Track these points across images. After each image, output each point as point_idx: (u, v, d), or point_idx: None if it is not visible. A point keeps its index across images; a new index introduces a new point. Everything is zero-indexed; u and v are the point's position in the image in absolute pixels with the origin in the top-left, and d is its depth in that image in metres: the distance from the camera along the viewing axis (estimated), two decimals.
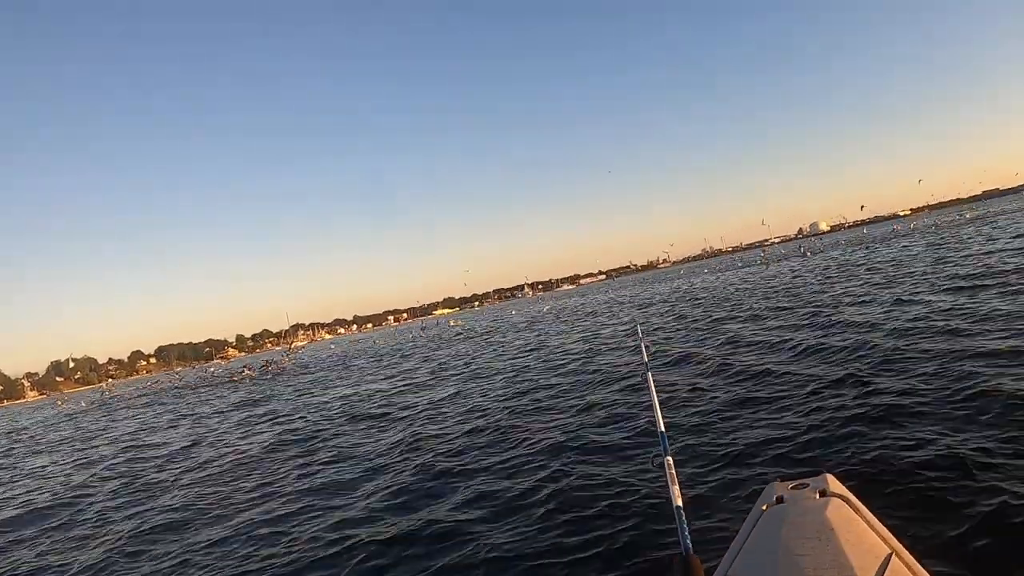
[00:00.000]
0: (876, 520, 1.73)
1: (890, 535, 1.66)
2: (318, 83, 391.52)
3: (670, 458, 2.02)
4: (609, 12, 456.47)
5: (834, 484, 1.90)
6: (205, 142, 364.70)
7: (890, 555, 1.49)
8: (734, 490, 3.82)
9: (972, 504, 3.08)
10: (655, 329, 14.28)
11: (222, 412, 15.29)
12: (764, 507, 1.86)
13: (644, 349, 3.78)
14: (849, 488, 1.91)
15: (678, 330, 13.23)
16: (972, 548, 2.73)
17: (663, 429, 2.29)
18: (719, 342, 10.03)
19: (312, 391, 16.25)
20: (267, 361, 36.84)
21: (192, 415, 16.19)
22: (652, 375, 2.98)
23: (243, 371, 34.35)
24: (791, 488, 1.93)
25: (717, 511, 3.57)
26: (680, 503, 1.79)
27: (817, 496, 1.83)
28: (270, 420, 11.60)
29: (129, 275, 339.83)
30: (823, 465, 3.70)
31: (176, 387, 34.97)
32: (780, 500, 1.87)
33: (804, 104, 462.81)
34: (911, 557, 1.56)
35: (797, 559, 1.50)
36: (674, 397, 6.70)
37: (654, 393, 2.73)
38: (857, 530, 1.61)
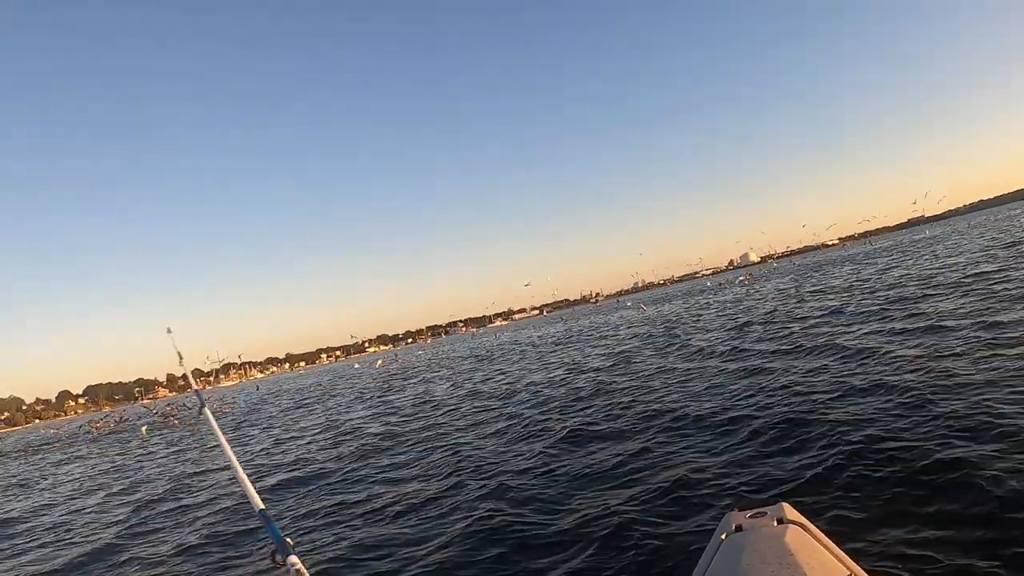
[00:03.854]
0: (834, 544, 1.81)
1: (847, 558, 1.74)
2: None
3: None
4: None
5: (791, 512, 1.98)
6: (138, 180, 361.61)
7: None
8: (686, 521, 3.86)
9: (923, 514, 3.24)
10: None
11: None
12: (723, 536, 1.92)
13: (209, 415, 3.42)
14: (804, 515, 1.99)
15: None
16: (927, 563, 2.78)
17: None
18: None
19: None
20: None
21: None
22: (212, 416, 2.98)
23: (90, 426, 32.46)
24: (749, 517, 1.99)
25: (671, 543, 3.61)
26: (262, 506, 1.96)
27: (775, 524, 1.89)
28: None
29: (59, 312, 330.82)
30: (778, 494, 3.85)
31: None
32: (739, 528, 1.93)
33: (734, 140, 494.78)
34: None
35: None
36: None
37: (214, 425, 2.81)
38: (816, 554, 1.69)
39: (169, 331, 3.70)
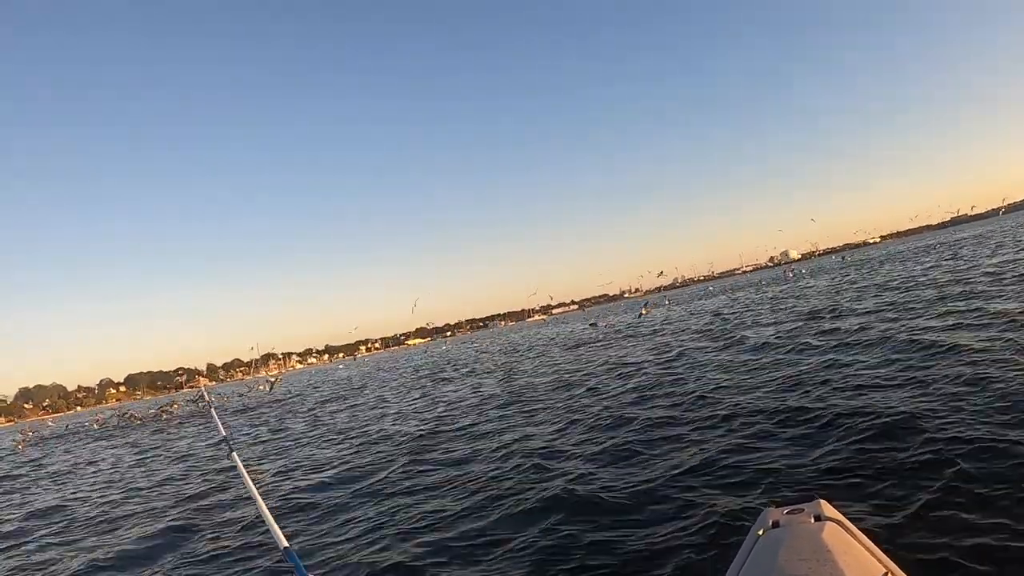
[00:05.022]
0: (871, 542, 1.81)
1: (885, 556, 1.73)
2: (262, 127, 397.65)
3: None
4: (598, 25, 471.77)
5: (828, 509, 1.99)
6: (178, 173, 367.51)
7: (886, 574, 1.58)
8: (725, 517, 3.86)
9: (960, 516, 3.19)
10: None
11: None
12: (760, 532, 1.92)
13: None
14: (842, 512, 2.00)
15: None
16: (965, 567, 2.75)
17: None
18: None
19: None
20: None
21: None
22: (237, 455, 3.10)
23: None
24: (786, 513, 2.00)
25: (709, 538, 3.62)
26: (287, 544, 2.06)
27: (812, 520, 1.91)
28: None
29: (102, 302, 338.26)
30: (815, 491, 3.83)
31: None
32: (776, 525, 1.94)
33: (775, 137, 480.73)
34: None
35: None
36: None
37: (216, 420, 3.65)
38: (853, 551, 1.69)
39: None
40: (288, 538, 2.06)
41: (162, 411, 31.38)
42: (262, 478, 8.28)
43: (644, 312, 35.00)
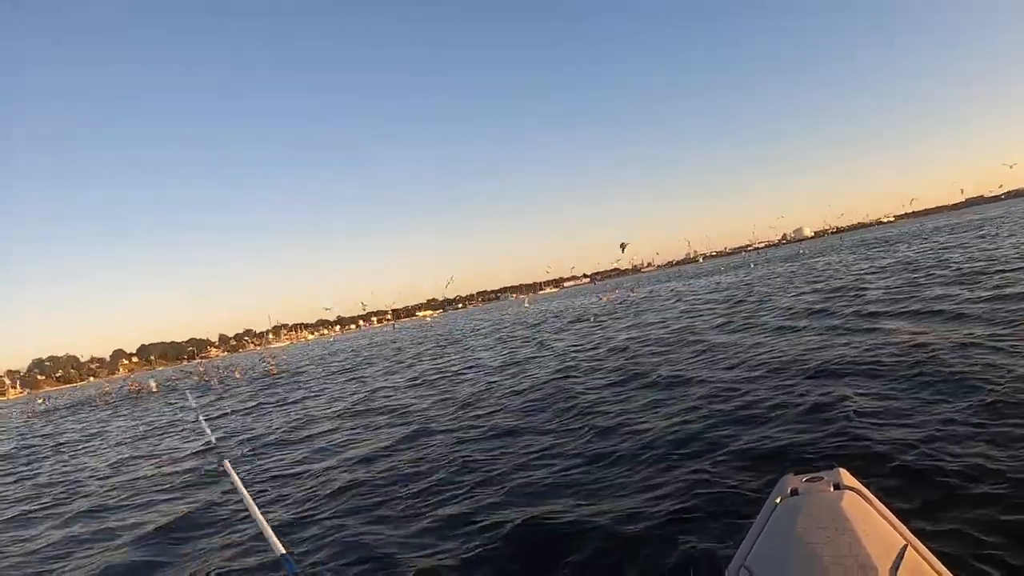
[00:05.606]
0: (890, 512, 1.77)
1: (904, 527, 1.70)
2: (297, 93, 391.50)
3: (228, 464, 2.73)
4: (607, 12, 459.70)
5: (847, 478, 1.96)
6: (195, 145, 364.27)
7: (905, 546, 1.54)
8: (744, 483, 3.82)
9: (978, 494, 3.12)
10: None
11: None
12: (778, 499, 1.91)
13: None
14: (861, 482, 1.97)
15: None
16: (983, 541, 2.72)
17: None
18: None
19: None
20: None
21: None
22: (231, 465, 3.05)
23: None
24: (805, 481, 1.98)
25: (728, 503, 3.59)
26: (283, 551, 1.98)
27: (831, 489, 1.88)
28: None
29: (114, 273, 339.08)
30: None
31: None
32: (795, 492, 1.92)
33: (790, 116, 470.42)
34: (925, 548, 1.60)
35: (814, 548, 1.54)
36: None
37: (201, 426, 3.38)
38: (872, 521, 1.66)
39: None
40: (285, 544, 1.95)
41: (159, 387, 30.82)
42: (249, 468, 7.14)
43: (605, 298, 33.33)
